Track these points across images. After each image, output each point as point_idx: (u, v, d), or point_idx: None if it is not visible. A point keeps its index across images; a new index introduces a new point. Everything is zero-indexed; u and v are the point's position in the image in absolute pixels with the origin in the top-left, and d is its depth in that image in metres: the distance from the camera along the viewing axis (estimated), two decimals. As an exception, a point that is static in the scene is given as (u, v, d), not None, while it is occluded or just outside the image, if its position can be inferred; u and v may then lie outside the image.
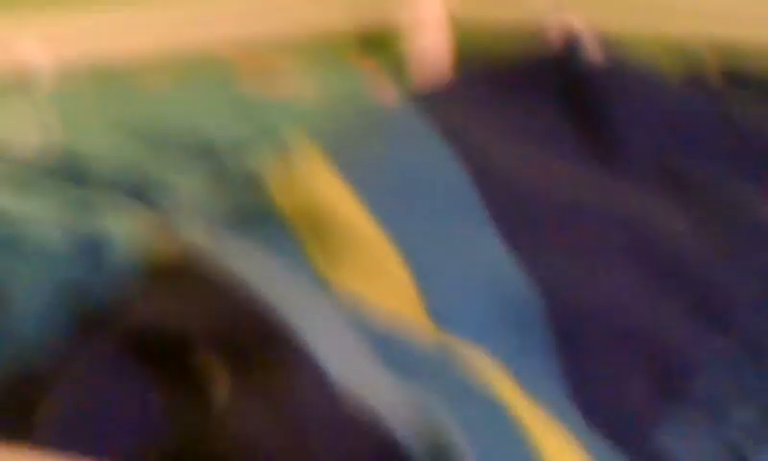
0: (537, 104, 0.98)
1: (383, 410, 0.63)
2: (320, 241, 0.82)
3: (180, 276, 0.78)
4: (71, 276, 0.85)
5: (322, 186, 0.85)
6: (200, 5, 1.57)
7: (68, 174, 1.00)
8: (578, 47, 1.06)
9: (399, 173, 0.87)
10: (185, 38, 1.43)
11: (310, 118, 1.20)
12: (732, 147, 0.99)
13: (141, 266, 0.81)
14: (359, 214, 0.82)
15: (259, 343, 0.70)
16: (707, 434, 0.80)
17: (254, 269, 0.75)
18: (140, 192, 0.99)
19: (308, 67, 1.34)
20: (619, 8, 1.73)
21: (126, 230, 0.89)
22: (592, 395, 0.80)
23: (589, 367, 0.81)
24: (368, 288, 0.77)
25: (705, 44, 1.49)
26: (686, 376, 0.82)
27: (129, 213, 0.93)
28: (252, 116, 1.17)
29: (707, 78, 1.21)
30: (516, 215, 0.87)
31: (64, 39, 1.30)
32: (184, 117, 1.15)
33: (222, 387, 0.70)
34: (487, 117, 0.93)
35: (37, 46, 1.25)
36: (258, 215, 0.86)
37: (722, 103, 1.10)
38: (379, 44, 2.01)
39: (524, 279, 0.83)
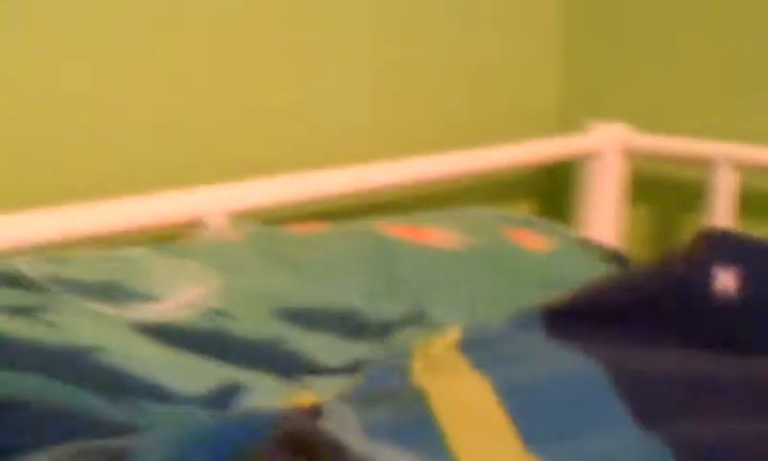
0: (657, 331, 1.01)
1: None
2: (460, 430, 0.85)
3: None
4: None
5: (463, 378, 0.90)
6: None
7: (212, 337, 1.09)
8: (703, 273, 1.04)
9: (538, 378, 0.91)
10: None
11: (450, 265, 1.27)
12: None
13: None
14: (495, 409, 0.87)
15: None
16: None
17: None
18: (277, 360, 1.08)
19: (456, 220, 1.40)
20: None
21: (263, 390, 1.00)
22: None
23: None
24: None
25: None
26: None
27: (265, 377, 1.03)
28: (391, 262, 1.25)
29: None
30: (646, 394, 0.88)
31: (237, 198, 1.42)
32: (328, 277, 1.22)
33: None
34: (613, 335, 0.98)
35: (213, 201, 1.39)
36: (401, 397, 0.91)
37: None
38: (554, 180, 2.09)
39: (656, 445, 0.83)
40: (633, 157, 1.92)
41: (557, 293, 1.14)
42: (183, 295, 1.14)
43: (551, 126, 2.08)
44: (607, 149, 1.90)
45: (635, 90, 1.99)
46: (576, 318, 1.01)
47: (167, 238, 1.37)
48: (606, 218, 1.91)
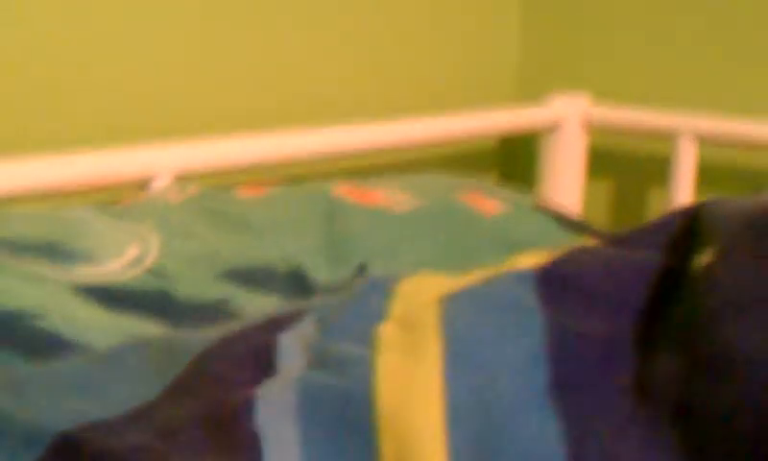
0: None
1: None
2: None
3: None
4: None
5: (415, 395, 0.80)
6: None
7: (155, 299, 1.06)
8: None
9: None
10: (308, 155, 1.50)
11: (400, 226, 1.24)
12: None
13: None
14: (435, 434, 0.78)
15: None
16: None
17: None
18: (221, 321, 1.03)
19: (407, 184, 1.36)
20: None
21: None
22: None
23: None
24: None
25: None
26: None
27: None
28: (339, 223, 1.22)
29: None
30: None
31: (186, 158, 1.38)
32: (271, 229, 1.19)
33: None
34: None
35: (161, 160, 1.36)
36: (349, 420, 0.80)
37: None
38: (516, 151, 2.06)
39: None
40: (593, 129, 1.90)
41: (511, 256, 1.10)
42: (125, 257, 1.10)
43: (509, 95, 2.05)
44: (567, 121, 1.88)
45: (595, 60, 1.97)
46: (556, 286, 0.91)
47: (114, 198, 1.33)
48: (566, 192, 1.89)
